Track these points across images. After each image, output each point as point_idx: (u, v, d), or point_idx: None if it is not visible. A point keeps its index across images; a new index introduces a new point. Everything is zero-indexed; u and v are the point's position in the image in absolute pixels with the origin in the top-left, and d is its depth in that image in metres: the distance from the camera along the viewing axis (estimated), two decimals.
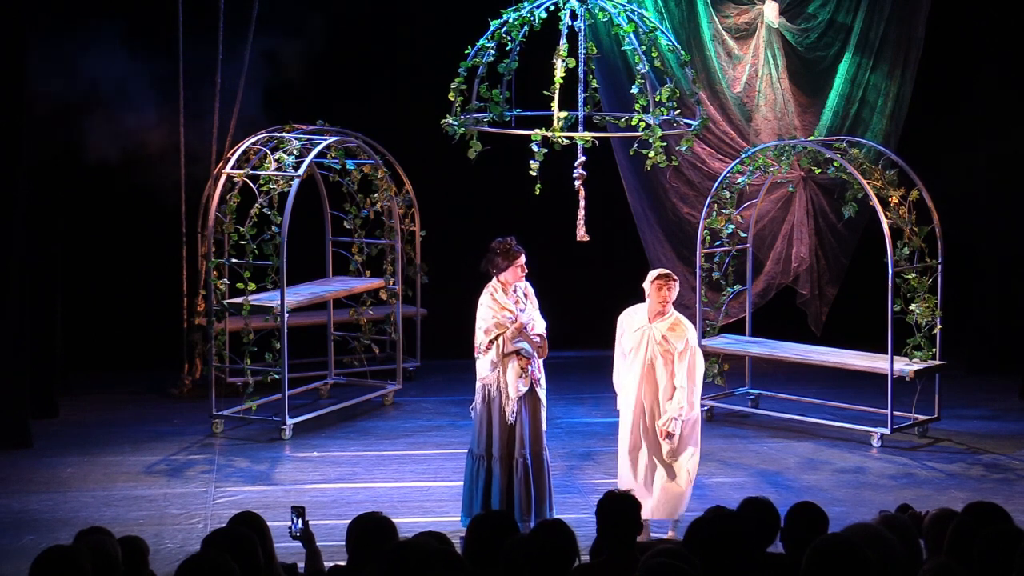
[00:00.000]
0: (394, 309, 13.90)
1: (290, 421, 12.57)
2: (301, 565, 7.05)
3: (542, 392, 10.07)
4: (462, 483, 10.27)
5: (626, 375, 10.04)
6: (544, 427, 10.12)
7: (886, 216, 12.26)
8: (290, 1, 14.36)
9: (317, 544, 7.00)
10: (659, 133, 9.79)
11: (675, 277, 10.11)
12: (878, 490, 11.17)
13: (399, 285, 13.86)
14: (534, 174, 9.75)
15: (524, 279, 10.09)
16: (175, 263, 13.91)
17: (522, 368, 9.97)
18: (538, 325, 10.06)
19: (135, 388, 14.07)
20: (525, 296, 10.12)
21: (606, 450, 11.91)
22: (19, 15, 12.11)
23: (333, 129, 13.40)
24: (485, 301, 10.04)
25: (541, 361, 10.09)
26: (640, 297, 10.12)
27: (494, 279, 10.07)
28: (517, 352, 9.95)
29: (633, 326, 10.01)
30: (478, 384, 10.07)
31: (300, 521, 6.87)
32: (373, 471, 11.66)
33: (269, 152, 12.76)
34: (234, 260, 12.74)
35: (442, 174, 14.05)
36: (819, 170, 13.01)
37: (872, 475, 11.63)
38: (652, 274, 10.10)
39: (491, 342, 9.96)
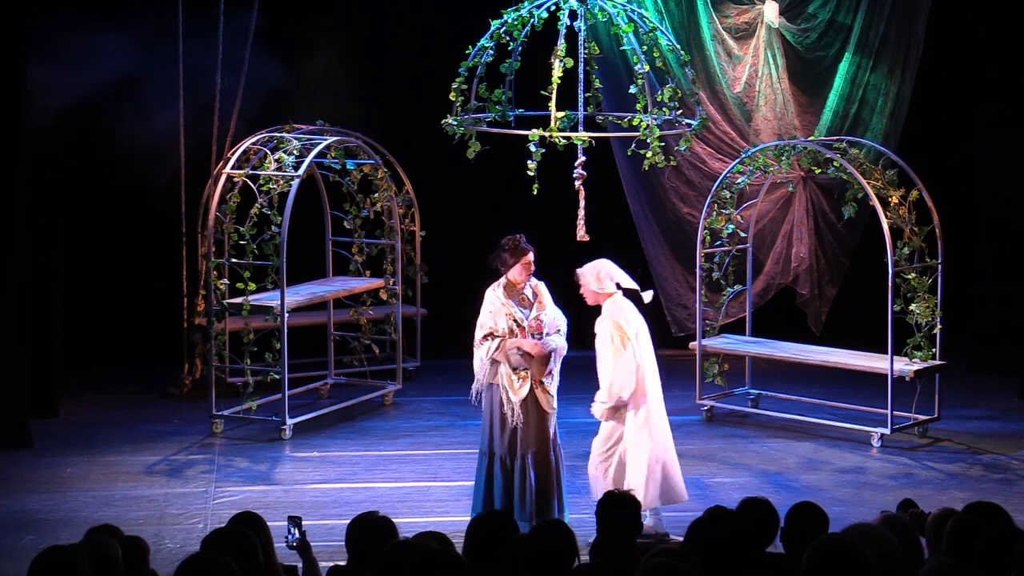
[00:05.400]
0: (394, 309, 13.90)
1: (290, 421, 12.57)
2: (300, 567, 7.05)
3: (544, 397, 10.02)
4: (471, 483, 10.25)
5: (646, 372, 10.02)
6: (552, 427, 10.08)
7: (886, 216, 12.25)
8: (291, 2, 14.36)
9: (316, 547, 6.98)
10: (657, 133, 9.79)
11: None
12: (878, 490, 11.17)
13: (399, 285, 13.86)
14: (532, 174, 9.74)
15: (532, 277, 10.06)
16: (175, 263, 13.91)
17: (518, 373, 9.95)
18: (549, 324, 10.00)
19: (135, 388, 14.07)
20: (534, 295, 10.08)
21: None
22: (19, 15, 12.10)
23: (333, 129, 13.39)
24: (487, 298, 10.03)
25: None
26: (636, 297, 10.11)
27: (503, 277, 10.06)
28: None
29: (632, 326, 9.99)
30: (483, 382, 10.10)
31: (297, 532, 6.82)
32: (373, 471, 11.66)
33: (269, 152, 12.75)
34: (234, 260, 12.74)
35: (442, 174, 14.04)
36: (819, 170, 13.01)
37: (872, 475, 11.62)
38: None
39: (484, 338, 9.95)
